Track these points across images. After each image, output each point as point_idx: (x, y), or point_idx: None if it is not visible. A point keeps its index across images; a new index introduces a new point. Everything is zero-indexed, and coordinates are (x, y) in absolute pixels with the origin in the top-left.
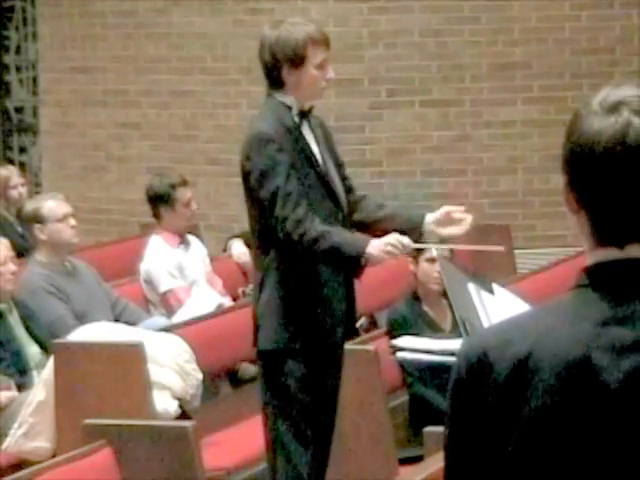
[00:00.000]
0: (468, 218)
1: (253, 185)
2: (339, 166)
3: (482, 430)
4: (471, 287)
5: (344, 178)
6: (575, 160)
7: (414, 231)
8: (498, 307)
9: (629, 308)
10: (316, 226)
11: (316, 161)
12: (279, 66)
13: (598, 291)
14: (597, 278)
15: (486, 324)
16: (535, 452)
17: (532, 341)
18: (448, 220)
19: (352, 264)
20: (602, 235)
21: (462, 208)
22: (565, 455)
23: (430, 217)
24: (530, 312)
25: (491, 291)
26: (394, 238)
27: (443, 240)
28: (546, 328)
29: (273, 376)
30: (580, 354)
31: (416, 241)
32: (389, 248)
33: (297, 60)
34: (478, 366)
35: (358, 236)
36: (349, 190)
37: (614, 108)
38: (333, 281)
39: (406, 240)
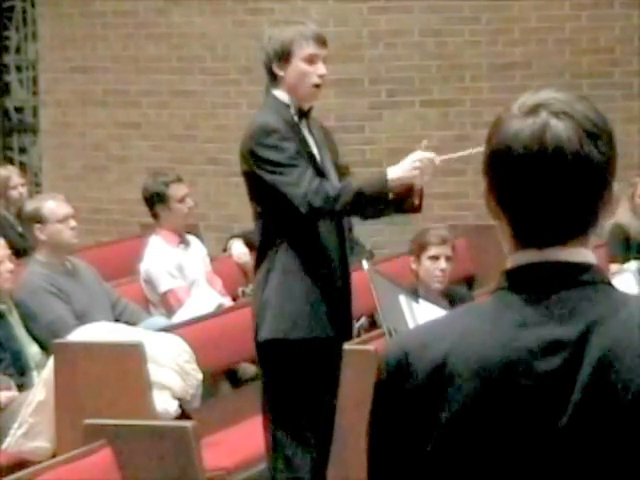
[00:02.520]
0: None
1: (265, 178)
2: (338, 166)
3: (402, 431)
4: (402, 298)
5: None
6: (494, 162)
7: (413, 192)
8: (428, 317)
9: (547, 310)
10: (332, 186)
11: (314, 159)
12: (270, 62)
13: (517, 293)
14: (516, 281)
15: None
16: (453, 453)
17: (450, 343)
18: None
19: (382, 197)
20: (521, 238)
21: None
22: (482, 456)
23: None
24: (450, 314)
25: (417, 302)
26: (418, 155)
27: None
28: (465, 330)
29: (272, 370)
30: (498, 356)
31: (418, 204)
32: (417, 164)
33: (284, 55)
34: (398, 368)
35: (375, 173)
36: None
37: (533, 110)
38: (333, 275)
39: (430, 156)
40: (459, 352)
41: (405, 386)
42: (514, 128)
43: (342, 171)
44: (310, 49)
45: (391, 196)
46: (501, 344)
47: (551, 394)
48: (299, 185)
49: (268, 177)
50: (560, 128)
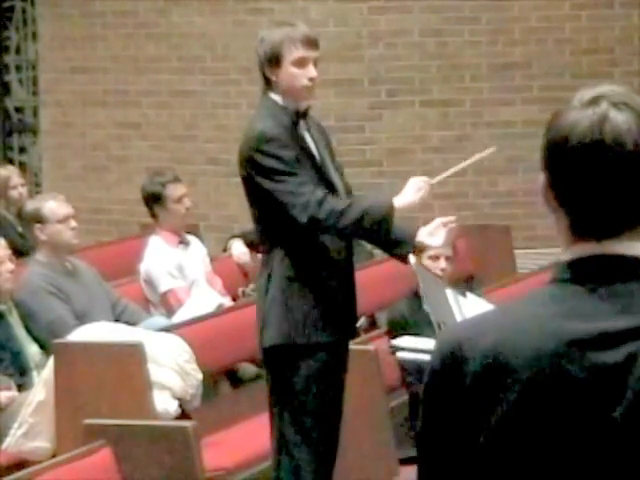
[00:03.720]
0: (451, 231)
1: (264, 185)
2: (337, 168)
3: (455, 421)
4: (449, 292)
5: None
6: (552, 154)
7: (405, 244)
8: (475, 311)
9: (603, 302)
10: (339, 201)
11: (315, 160)
12: (263, 66)
13: (574, 285)
14: (575, 272)
15: None
16: (507, 443)
17: (504, 333)
18: (440, 231)
19: (385, 225)
20: (578, 230)
21: (453, 218)
22: (535, 446)
23: (423, 230)
24: (505, 305)
25: (464, 296)
26: (415, 182)
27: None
28: (519, 320)
29: (278, 374)
30: (551, 347)
31: (407, 252)
32: (421, 185)
33: (274, 58)
34: (452, 358)
35: (381, 197)
36: (349, 192)
37: (592, 101)
38: (338, 277)
39: (424, 178)
40: (512, 342)
41: (459, 376)
42: (572, 119)
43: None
44: (299, 52)
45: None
46: (554, 335)
47: (605, 386)
48: (300, 194)
49: (268, 185)
50: (620, 119)
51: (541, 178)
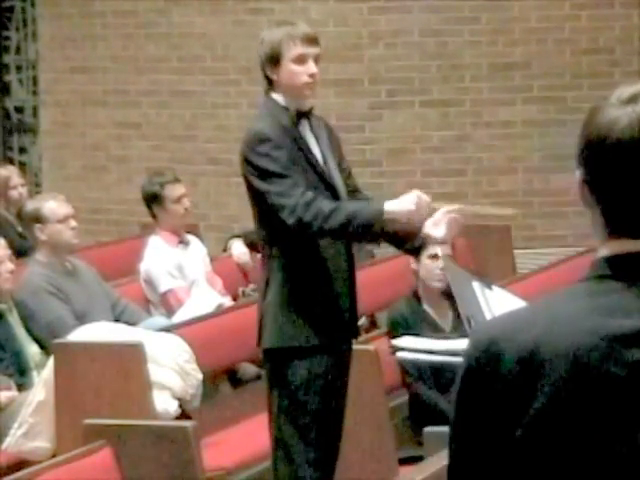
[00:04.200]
0: (454, 221)
1: (256, 185)
2: (342, 168)
3: (490, 418)
4: (475, 285)
5: (348, 178)
6: (589, 151)
7: (414, 236)
8: (502, 305)
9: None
10: (327, 203)
11: (316, 161)
12: (264, 66)
13: (612, 281)
14: (613, 269)
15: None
16: (543, 440)
17: (541, 329)
18: (445, 221)
19: (375, 229)
20: (614, 227)
21: (457, 207)
22: (572, 443)
23: (429, 222)
24: (541, 301)
25: (490, 289)
26: (416, 195)
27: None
28: (556, 316)
29: (277, 375)
30: (589, 343)
31: (418, 245)
32: (415, 200)
33: (274, 57)
34: (487, 354)
35: (372, 202)
36: (355, 191)
37: (632, 99)
38: (337, 279)
39: (427, 197)
40: (550, 338)
41: (494, 373)
42: (611, 117)
43: (347, 176)
44: (298, 49)
45: (392, 230)
46: (592, 331)
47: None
48: (289, 196)
49: (259, 185)
50: None
51: (577, 174)
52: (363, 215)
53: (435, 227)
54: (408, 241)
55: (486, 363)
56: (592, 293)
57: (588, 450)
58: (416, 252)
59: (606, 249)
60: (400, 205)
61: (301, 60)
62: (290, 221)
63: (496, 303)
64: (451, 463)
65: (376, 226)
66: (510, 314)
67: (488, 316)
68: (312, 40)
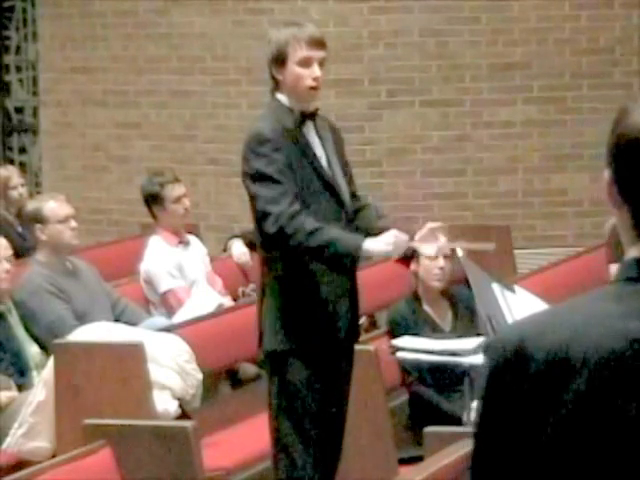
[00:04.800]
0: (441, 238)
1: (248, 187)
2: (346, 171)
3: (516, 417)
4: (495, 286)
5: (350, 183)
6: (619, 151)
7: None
8: (521, 306)
9: None
10: (312, 221)
11: (319, 163)
12: (270, 66)
13: None
14: None
15: (510, 321)
16: (574, 441)
17: (571, 331)
18: (432, 236)
19: (346, 261)
20: None
21: (439, 224)
22: (602, 445)
23: (418, 235)
24: (568, 303)
25: (513, 291)
26: (393, 235)
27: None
28: (587, 318)
29: (278, 377)
30: (621, 346)
31: (409, 255)
32: (393, 241)
33: (279, 58)
34: (515, 355)
35: (354, 234)
36: (353, 196)
37: None
38: (336, 281)
39: (404, 236)
40: (580, 340)
41: (523, 373)
42: None
43: (347, 181)
44: (304, 52)
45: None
46: (623, 333)
47: None
48: (276, 203)
49: (250, 186)
50: None
51: (606, 174)
52: (341, 245)
53: (424, 242)
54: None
55: (514, 363)
56: (621, 295)
57: (617, 452)
58: (407, 260)
59: (635, 251)
60: (377, 246)
61: (306, 63)
62: (271, 229)
63: (516, 305)
64: (475, 462)
65: (348, 260)
66: (539, 315)
67: (508, 316)
68: (318, 43)
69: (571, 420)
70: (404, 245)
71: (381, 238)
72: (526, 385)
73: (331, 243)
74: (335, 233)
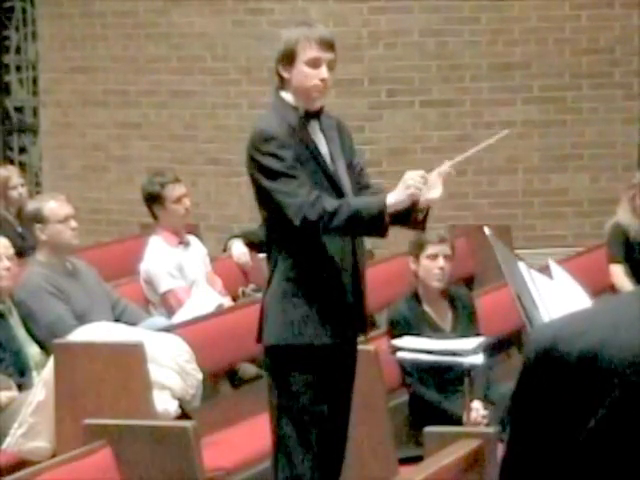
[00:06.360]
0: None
1: (263, 184)
2: (353, 166)
3: (550, 418)
4: (522, 265)
5: (360, 176)
6: None
7: (416, 210)
8: (548, 286)
9: None
10: (331, 202)
11: (323, 161)
12: (277, 64)
13: None
14: None
15: (538, 300)
16: (607, 445)
17: (604, 333)
18: (440, 181)
19: (378, 224)
20: None
21: (447, 168)
22: (635, 452)
23: (425, 188)
24: (601, 305)
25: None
26: (409, 176)
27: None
28: (619, 320)
29: (279, 374)
30: None
31: (423, 216)
32: (410, 183)
33: (288, 56)
34: (549, 355)
35: (372, 197)
36: (367, 187)
37: None
38: (342, 274)
39: (420, 172)
40: (613, 342)
41: (555, 374)
42: None
43: (358, 173)
44: (313, 52)
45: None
46: None
47: None
48: (295, 195)
49: (265, 184)
50: None
51: (638, 176)
52: (366, 212)
53: (431, 190)
54: (411, 216)
55: (547, 364)
56: None
57: None
58: (423, 225)
59: None
60: (398, 194)
61: (314, 64)
62: (296, 221)
63: (543, 284)
64: (507, 462)
65: (379, 222)
66: (572, 315)
67: (536, 296)
68: (328, 45)
69: (608, 424)
70: (422, 180)
71: (398, 186)
72: (558, 387)
73: (355, 215)
74: (357, 203)
